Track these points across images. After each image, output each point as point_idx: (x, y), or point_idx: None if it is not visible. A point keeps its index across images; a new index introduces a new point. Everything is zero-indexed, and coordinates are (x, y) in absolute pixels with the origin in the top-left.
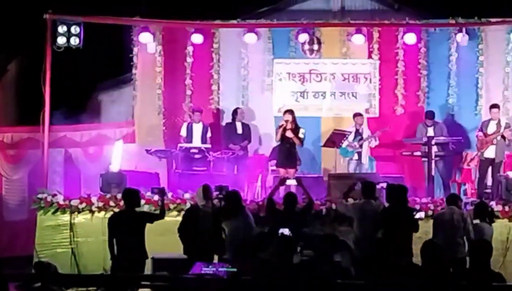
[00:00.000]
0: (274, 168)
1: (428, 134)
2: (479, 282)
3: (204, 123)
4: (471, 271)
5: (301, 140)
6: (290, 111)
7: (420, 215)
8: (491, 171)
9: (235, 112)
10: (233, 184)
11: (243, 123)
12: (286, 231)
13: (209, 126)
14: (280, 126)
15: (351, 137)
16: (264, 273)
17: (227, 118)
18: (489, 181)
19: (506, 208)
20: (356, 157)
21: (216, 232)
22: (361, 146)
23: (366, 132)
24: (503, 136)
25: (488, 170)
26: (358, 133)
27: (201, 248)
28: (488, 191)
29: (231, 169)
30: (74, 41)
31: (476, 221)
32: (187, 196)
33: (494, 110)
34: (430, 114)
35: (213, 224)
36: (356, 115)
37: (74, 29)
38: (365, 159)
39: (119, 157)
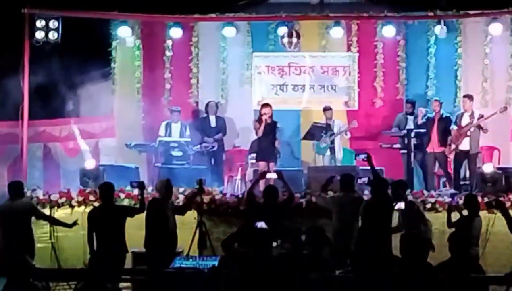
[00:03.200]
0: (254, 161)
1: (407, 126)
2: (458, 274)
3: (183, 122)
4: (450, 262)
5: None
6: (269, 105)
7: (399, 205)
8: (468, 163)
9: (207, 106)
10: (212, 178)
11: (217, 117)
12: (262, 224)
13: (188, 124)
14: (259, 121)
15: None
16: (243, 266)
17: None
18: (467, 173)
19: (485, 199)
20: (328, 152)
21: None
22: (332, 142)
23: (336, 126)
24: (479, 127)
25: (464, 162)
26: (328, 127)
27: (166, 242)
28: (467, 183)
29: (211, 162)
30: (53, 35)
31: (465, 213)
32: None
33: (465, 99)
34: (411, 101)
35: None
36: (326, 109)
37: (53, 24)
38: (338, 154)
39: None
